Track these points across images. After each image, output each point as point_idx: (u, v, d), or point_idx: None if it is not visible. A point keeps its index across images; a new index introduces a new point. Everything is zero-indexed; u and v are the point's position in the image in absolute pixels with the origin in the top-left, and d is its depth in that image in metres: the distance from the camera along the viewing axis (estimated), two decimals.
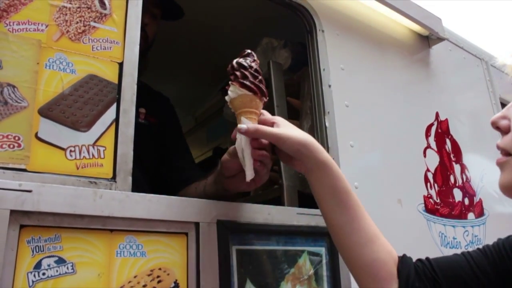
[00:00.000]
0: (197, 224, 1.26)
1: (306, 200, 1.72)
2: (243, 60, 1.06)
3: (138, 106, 1.77)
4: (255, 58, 1.10)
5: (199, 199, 1.29)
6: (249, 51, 1.10)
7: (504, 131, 0.82)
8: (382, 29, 2.15)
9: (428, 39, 2.40)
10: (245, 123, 1.04)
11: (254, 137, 1.03)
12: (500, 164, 0.82)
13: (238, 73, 1.04)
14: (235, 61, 1.07)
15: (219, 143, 2.55)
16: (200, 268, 1.23)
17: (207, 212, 1.29)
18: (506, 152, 0.81)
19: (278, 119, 1.08)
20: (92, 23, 1.23)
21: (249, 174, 1.08)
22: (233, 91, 1.03)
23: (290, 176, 1.69)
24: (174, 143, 1.93)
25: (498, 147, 0.83)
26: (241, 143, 1.05)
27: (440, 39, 2.39)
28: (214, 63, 2.71)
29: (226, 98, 1.06)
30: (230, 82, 1.04)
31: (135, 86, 1.26)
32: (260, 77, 1.07)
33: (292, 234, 1.46)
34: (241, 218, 1.36)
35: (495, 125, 0.84)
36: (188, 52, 2.65)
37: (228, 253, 1.31)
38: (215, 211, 1.31)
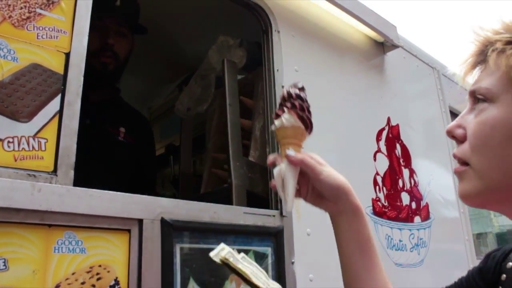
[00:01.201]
0: (140, 221, 1.24)
1: (255, 199, 1.72)
2: (301, 93, 1.03)
3: (118, 124, 1.96)
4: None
5: (142, 196, 1.27)
6: (302, 84, 1.07)
7: (460, 140, 0.82)
8: (338, 33, 2.18)
9: (383, 45, 2.45)
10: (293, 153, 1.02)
11: (298, 166, 1.02)
12: (459, 174, 0.82)
13: (297, 103, 1.01)
14: (293, 91, 1.04)
15: (172, 140, 2.52)
16: (142, 266, 1.22)
17: (151, 209, 1.27)
18: (463, 162, 0.81)
19: (318, 157, 1.09)
20: (38, 10, 1.18)
21: (290, 205, 1.02)
22: (288, 120, 0.99)
23: (240, 175, 1.69)
24: (148, 161, 2.19)
25: (455, 156, 0.83)
26: (284, 172, 1.00)
27: (395, 46, 2.44)
28: (172, 59, 2.69)
29: (276, 123, 1.01)
30: (286, 110, 1.00)
31: (82, 78, 1.22)
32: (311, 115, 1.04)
33: (238, 233, 1.46)
34: (186, 216, 1.35)
35: (451, 134, 0.84)
36: (146, 47, 2.61)
37: (172, 251, 1.29)
38: (159, 208, 1.29)
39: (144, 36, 2.20)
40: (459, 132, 0.82)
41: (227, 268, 1.38)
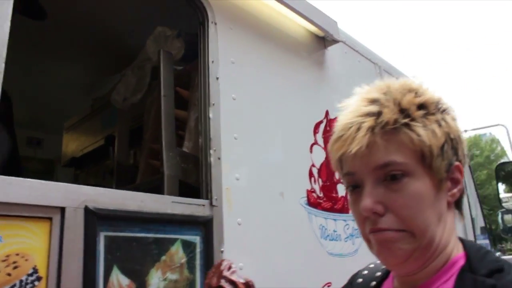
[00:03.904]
0: (62, 209, 1.24)
1: (188, 189, 1.74)
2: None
3: None
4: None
5: (66, 184, 1.27)
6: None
7: (381, 215, 0.87)
8: (278, 26, 2.21)
9: (324, 40, 2.50)
10: None
11: None
12: (395, 239, 0.87)
13: None
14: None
15: (113, 131, 2.49)
16: (63, 254, 1.21)
17: (75, 197, 1.27)
18: (395, 229, 0.86)
19: None
20: None
21: None
22: None
23: (172, 166, 1.70)
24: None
25: (382, 229, 0.87)
26: None
27: (336, 41, 2.50)
28: (115, 50, 2.67)
29: None
30: None
31: (3, 65, 1.20)
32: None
33: (165, 222, 1.47)
34: (111, 204, 1.35)
35: (372, 212, 0.87)
36: (88, 37, 2.58)
37: (95, 239, 1.29)
38: (83, 196, 1.29)
39: (85, 27, 2.18)
40: (380, 208, 0.86)
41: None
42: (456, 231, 0.96)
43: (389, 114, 0.87)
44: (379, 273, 1.08)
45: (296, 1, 2.18)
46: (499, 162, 5.80)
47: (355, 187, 0.93)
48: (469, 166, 4.72)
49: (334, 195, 2.24)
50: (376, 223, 0.87)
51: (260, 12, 2.11)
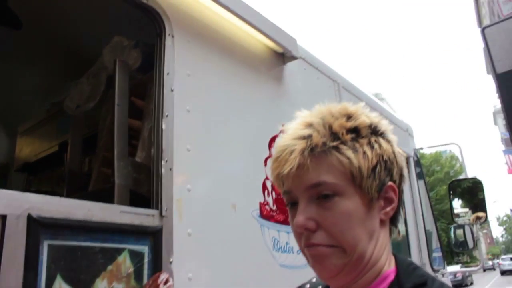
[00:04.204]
0: (4, 217, 1.22)
1: (140, 200, 1.74)
2: None
3: None
4: None
5: (8, 191, 1.25)
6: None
7: (314, 231, 0.93)
8: (237, 41, 2.24)
9: (283, 56, 2.55)
10: None
11: None
12: (326, 255, 0.93)
13: None
14: None
15: (67, 138, 2.46)
16: (2, 264, 1.19)
17: (17, 204, 1.26)
18: (326, 245, 0.92)
19: None
20: None
21: None
22: None
23: (123, 175, 1.71)
24: None
25: (314, 244, 0.93)
26: None
27: (294, 58, 2.55)
28: (73, 56, 2.65)
29: None
30: None
31: None
32: None
33: (113, 232, 1.47)
34: (57, 213, 1.34)
35: (304, 228, 0.93)
36: (46, 42, 2.56)
37: (37, 249, 1.28)
38: (27, 204, 1.28)
39: (44, 32, 2.16)
40: (312, 224, 0.93)
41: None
42: (389, 246, 1.03)
43: (317, 138, 0.95)
44: (320, 286, 1.14)
45: (256, 17, 2.22)
46: (454, 179, 5.99)
47: (294, 204, 1.00)
48: (425, 182, 4.85)
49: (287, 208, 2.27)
50: (309, 238, 0.94)
51: (220, 26, 2.14)
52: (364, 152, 0.94)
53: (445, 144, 4.94)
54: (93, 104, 2.05)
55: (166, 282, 0.77)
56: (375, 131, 0.99)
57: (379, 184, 0.95)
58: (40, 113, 2.86)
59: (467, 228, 4.51)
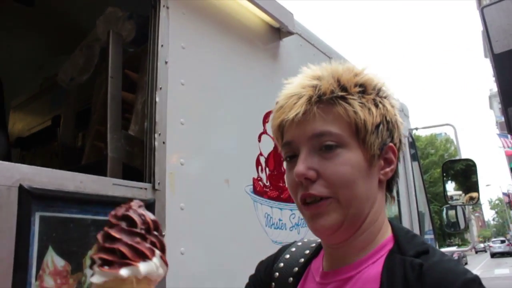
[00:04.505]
0: None
1: (133, 173, 1.73)
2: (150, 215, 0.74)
3: None
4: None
5: None
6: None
7: (313, 181, 0.92)
8: (233, 15, 2.21)
9: (279, 31, 2.52)
10: None
11: None
12: (323, 208, 0.92)
13: (156, 241, 0.72)
14: (145, 214, 0.73)
15: (61, 112, 2.43)
16: None
17: (9, 175, 1.24)
18: (322, 198, 0.92)
19: None
20: None
21: None
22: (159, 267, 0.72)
23: (116, 148, 1.69)
24: None
25: (312, 195, 0.92)
26: None
27: (291, 33, 2.52)
28: (66, 29, 2.61)
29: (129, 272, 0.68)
30: (157, 254, 0.72)
31: None
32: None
33: (105, 204, 1.45)
34: (48, 184, 1.33)
35: (304, 177, 0.91)
36: (39, 15, 2.52)
37: (29, 220, 1.27)
38: (18, 175, 1.26)
39: (37, 4, 2.12)
40: (312, 173, 0.91)
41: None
42: (385, 213, 1.02)
43: (326, 86, 0.94)
44: (307, 251, 1.13)
45: None
46: (447, 160, 5.99)
47: (292, 158, 0.98)
48: (419, 164, 4.86)
49: (281, 184, 2.27)
50: (307, 188, 0.92)
51: None
52: (369, 109, 0.93)
53: (440, 125, 4.92)
54: (86, 76, 2.02)
55: (139, 206, 0.72)
56: (380, 92, 0.98)
57: (381, 142, 0.95)
58: (33, 87, 2.82)
59: (459, 209, 4.54)
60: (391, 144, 0.97)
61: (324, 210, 0.92)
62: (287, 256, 1.16)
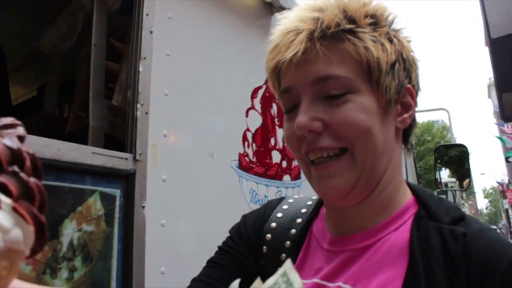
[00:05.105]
0: None
1: (116, 144, 1.70)
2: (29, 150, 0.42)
3: None
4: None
5: None
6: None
7: (319, 132, 0.77)
8: None
9: (271, 6, 2.48)
10: None
11: None
12: (334, 168, 0.77)
13: (35, 187, 0.40)
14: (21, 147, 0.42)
15: (46, 81, 2.40)
16: None
17: None
18: (334, 152, 0.77)
19: None
20: None
21: None
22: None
23: (98, 117, 1.66)
24: None
25: (321, 148, 0.77)
26: None
27: (283, 8, 2.47)
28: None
29: None
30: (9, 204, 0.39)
31: None
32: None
33: (83, 173, 1.44)
34: None
35: (308, 129, 0.76)
36: None
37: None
38: None
39: None
40: (318, 124, 0.76)
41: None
42: (402, 171, 0.88)
43: (330, 18, 0.76)
44: (304, 210, 0.95)
45: None
46: (440, 144, 5.99)
47: (291, 110, 0.83)
48: (413, 149, 4.84)
49: (268, 161, 2.26)
50: (313, 142, 0.78)
51: None
52: (383, 44, 0.77)
53: (434, 109, 4.92)
54: (69, 44, 1.99)
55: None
56: (393, 24, 0.82)
57: (398, 85, 0.79)
58: (19, 57, 2.77)
59: (449, 194, 4.56)
60: (409, 85, 0.82)
61: (336, 169, 0.77)
62: (279, 214, 0.96)
